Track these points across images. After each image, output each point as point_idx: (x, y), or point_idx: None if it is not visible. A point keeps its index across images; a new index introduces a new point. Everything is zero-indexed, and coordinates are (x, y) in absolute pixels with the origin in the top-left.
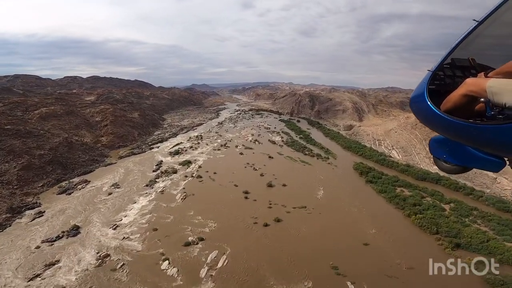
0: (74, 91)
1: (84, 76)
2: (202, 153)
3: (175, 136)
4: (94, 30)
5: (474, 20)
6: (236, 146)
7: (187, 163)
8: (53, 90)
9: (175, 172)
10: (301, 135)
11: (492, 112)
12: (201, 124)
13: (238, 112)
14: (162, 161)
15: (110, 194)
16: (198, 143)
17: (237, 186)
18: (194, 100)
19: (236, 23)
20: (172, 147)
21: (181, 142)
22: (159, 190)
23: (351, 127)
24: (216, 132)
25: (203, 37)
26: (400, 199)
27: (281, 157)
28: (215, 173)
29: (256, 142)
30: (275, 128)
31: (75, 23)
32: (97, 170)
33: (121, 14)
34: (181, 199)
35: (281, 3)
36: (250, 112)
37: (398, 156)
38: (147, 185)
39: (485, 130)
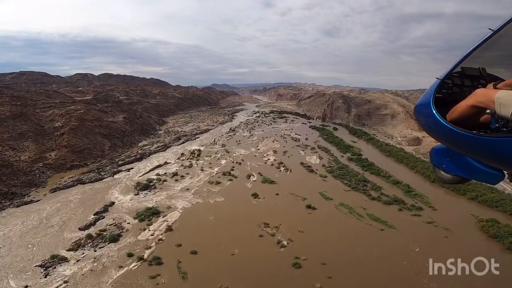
0: (80, 88)
1: (96, 74)
2: (187, 189)
3: (165, 150)
4: (122, 30)
5: (489, 29)
6: (248, 176)
7: (151, 214)
8: (57, 87)
9: (115, 238)
10: (349, 153)
11: (497, 125)
12: (208, 130)
13: (257, 114)
14: (114, 203)
15: None
16: (190, 165)
17: None
18: (209, 99)
19: (257, 23)
20: (147, 172)
21: (165, 163)
22: None
23: (419, 140)
24: (223, 145)
25: (225, 37)
26: None
27: (330, 205)
28: (193, 252)
29: (281, 167)
30: (306, 139)
31: (105, 23)
32: None
33: (146, 14)
34: None
35: (303, 1)
36: (271, 114)
37: None
38: (41, 265)
39: (488, 142)
